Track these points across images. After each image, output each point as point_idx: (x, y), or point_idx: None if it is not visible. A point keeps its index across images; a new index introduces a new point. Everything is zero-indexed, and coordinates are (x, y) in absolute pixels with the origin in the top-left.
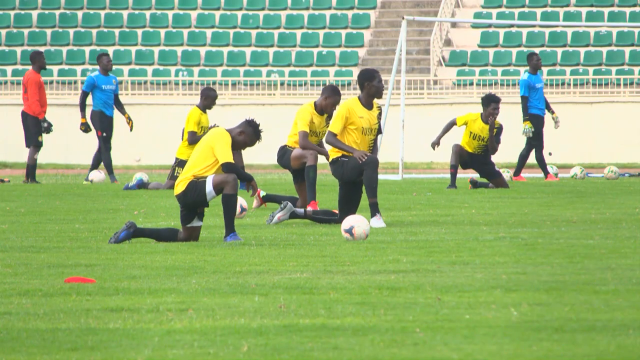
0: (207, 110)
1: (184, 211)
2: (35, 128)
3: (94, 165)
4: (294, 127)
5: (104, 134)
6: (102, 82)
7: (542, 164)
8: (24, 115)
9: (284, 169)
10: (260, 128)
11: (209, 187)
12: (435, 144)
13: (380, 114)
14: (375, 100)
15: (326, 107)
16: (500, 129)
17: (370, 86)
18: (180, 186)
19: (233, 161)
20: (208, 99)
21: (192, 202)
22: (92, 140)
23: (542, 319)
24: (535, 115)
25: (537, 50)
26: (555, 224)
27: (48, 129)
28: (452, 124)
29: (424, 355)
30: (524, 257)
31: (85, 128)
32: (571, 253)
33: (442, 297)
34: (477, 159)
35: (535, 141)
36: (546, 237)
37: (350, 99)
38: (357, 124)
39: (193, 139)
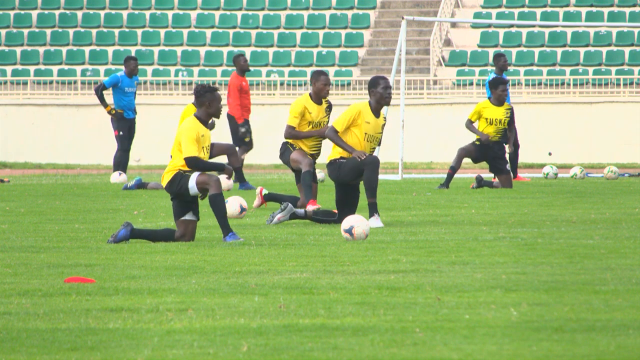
0: None
1: (175, 202)
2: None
3: (116, 167)
4: (288, 119)
5: (121, 133)
6: (125, 85)
7: (512, 163)
8: (228, 117)
9: (284, 169)
10: (207, 84)
11: (191, 183)
12: (485, 139)
13: (384, 125)
14: (382, 111)
15: (320, 90)
16: (512, 111)
17: (375, 92)
18: (167, 176)
19: (195, 154)
20: None
21: (177, 193)
22: (92, 141)
23: (542, 319)
24: None
25: (536, 50)
26: (555, 224)
27: (245, 134)
28: (470, 122)
29: (423, 355)
30: (524, 257)
31: (115, 112)
32: (571, 253)
33: (441, 297)
34: (491, 150)
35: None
36: (546, 237)
37: (361, 103)
38: (361, 128)
39: None
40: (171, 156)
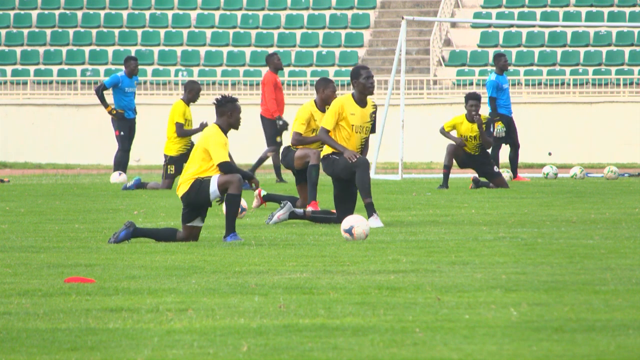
0: (192, 104)
1: (187, 210)
2: (271, 130)
3: (116, 167)
4: (294, 126)
5: (122, 133)
6: (125, 85)
7: (512, 163)
8: (261, 117)
9: (283, 170)
10: (227, 95)
11: (213, 187)
12: (459, 142)
13: (374, 112)
14: (371, 99)
15: (327, 98)
16: (488, 122)
17: (358, 83)
18: (183, 186)
19: (228, 159)
20: (192, 92)
21: (195, 201)
22: (92, 141)
23: (542, 319)
24: (503, 115)
25: (536, 50)
26: (555, 224)
27: (283, 127)
28: (445, 130)
29: (423, 355)
30: (524, 257)
31: (116, 112)
32: (571, 253)
33: (441, 297)
34: (475, 158)
35: (508, 140)
36: (546, 237)
37: (344, 96)
38: (348, 120)
39: (181, 131)
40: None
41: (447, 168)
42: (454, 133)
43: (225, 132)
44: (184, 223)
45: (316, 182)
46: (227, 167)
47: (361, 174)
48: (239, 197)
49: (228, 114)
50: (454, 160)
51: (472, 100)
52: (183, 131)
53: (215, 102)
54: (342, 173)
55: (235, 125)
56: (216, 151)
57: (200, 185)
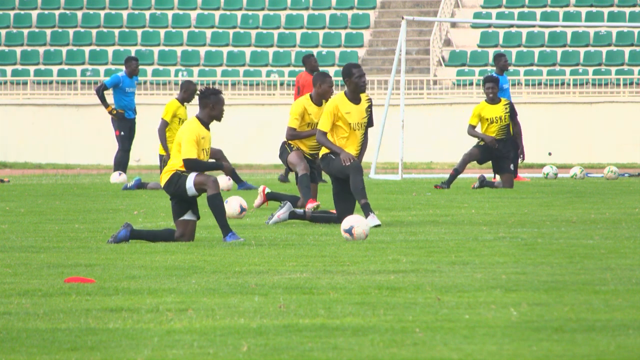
0: (186, 104)
1: (174, 201)
2: None
3: (116, 167)
4: (288, 121)
5: (122, 133)
6: (126, 85)
7: (513, 163)
8: None
9: (284, 169)
10: (211, 87)
11: (189, 184)
12: (490, 141)
13: (369, 106)
14: (365, 93)
15: (324, 94)
16: (510, 105)
17: (350, 82)
18: (164, 177)
19: (194, 156)
20: (187, 92)
21: (175, 194)
22: (92, 141)
23: (542, 319)
24: None
25: (536, 50)
26: (555, 224)
27: None
28: (472, 127)
29: (423, 355)
30: (524, 257)
31: (116, 112)
32: (571, 253)
33: (441, 297)
34: (496, 150)
35: None
36: (546, 237)
37: (337, 95)
38: (344, 120)
39: (162, 131)
40: (169, 156)
41: (456, 172)
42: (478, 128)
43: (206, 124)
44: (175, 219)
45: (308, 185)
46: (190, 164)
47: (354, 178)
48: (219, 196)
49: (210, 106)
50: (474, 160)
51: (489, 82)
52: (163, 132)
53: (198, 93)
54: (337, 174)
55: (218, 118)
56: (185, 146)
57: (179, 179)
